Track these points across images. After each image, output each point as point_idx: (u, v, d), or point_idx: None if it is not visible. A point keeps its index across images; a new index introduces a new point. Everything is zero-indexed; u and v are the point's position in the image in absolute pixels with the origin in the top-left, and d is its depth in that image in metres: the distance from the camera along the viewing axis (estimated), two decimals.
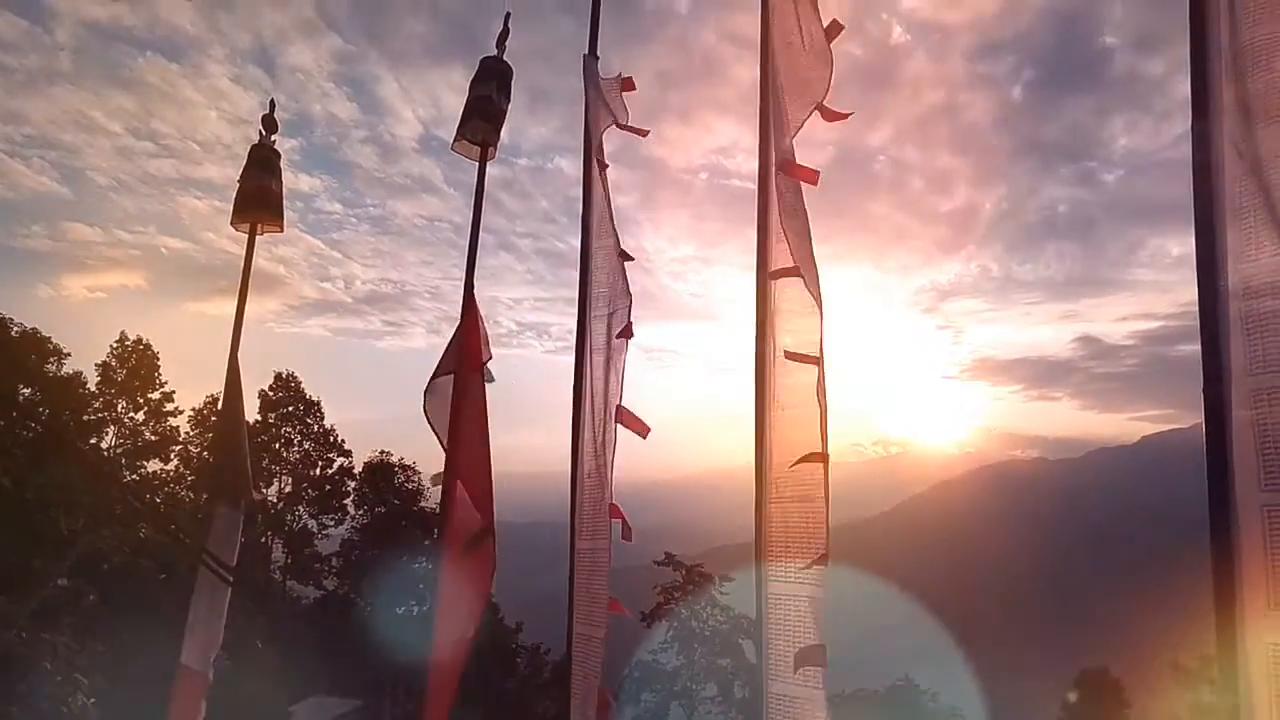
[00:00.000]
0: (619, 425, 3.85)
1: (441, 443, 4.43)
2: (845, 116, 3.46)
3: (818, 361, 3.13)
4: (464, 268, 4.70)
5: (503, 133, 4.89)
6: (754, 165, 3.68)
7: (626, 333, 3.86)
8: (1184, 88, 2.77)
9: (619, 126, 4.45)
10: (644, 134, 4.47)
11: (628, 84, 4.53)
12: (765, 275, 3.49)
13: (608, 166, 4.39)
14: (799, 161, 3.43)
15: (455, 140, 4.91)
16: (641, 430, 3.82)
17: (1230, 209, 2.59)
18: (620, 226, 4.17)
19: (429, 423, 4.45)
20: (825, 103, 3.41)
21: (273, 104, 5.58)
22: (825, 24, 3.45)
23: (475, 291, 4.64)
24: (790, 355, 3.20)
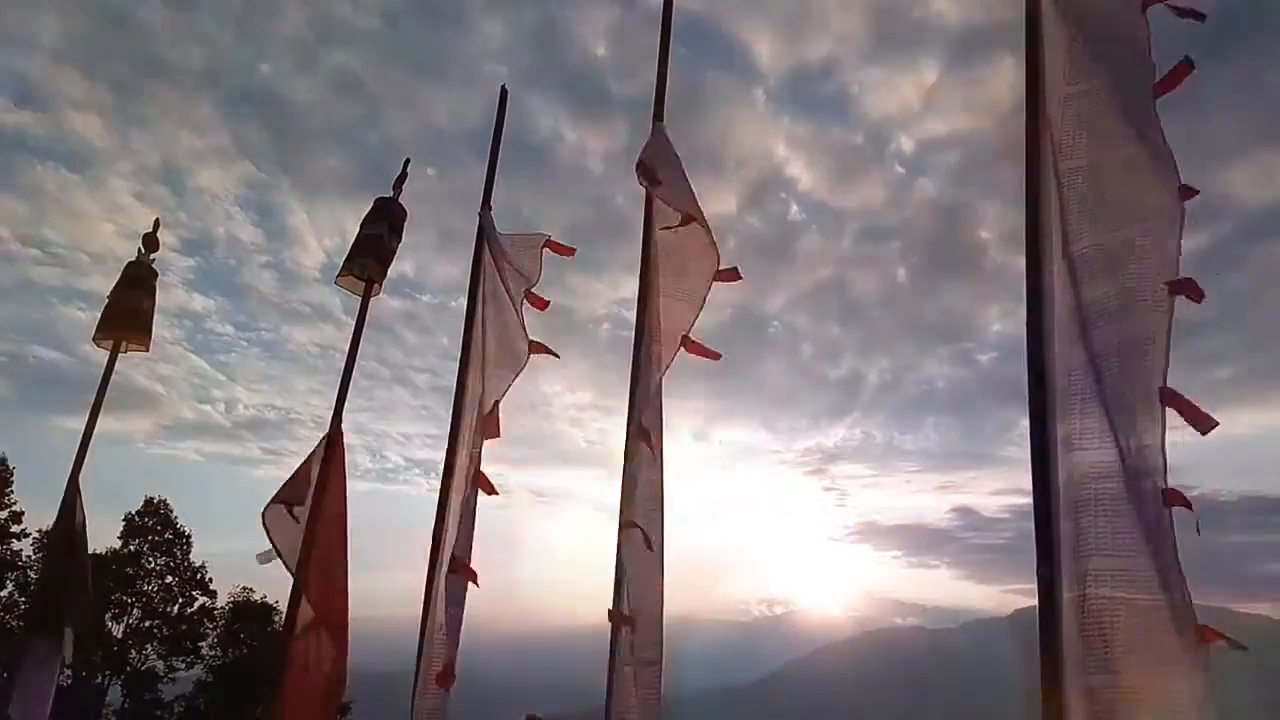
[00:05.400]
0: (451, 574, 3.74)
1: (288, 566, 4.24)
2: (736, 277, 3.65)
3: (633, 525, 3.24)
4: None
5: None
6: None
7: (479, 483, 3.79)
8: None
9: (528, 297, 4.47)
10: (543, 306, 4.50)
11: (539, 302, 4.50)
12: (634, 433, 3.55)
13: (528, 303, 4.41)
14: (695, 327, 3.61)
15: (340, 274, 4.92)
16: (471, 577, 3.72)
17: (1061, 399, 2.79)
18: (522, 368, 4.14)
19: (270, 540, 4.28)
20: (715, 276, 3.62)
21: (157, 223, 5.50)
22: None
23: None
24: (629, 524, 3.28)
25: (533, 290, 4.40)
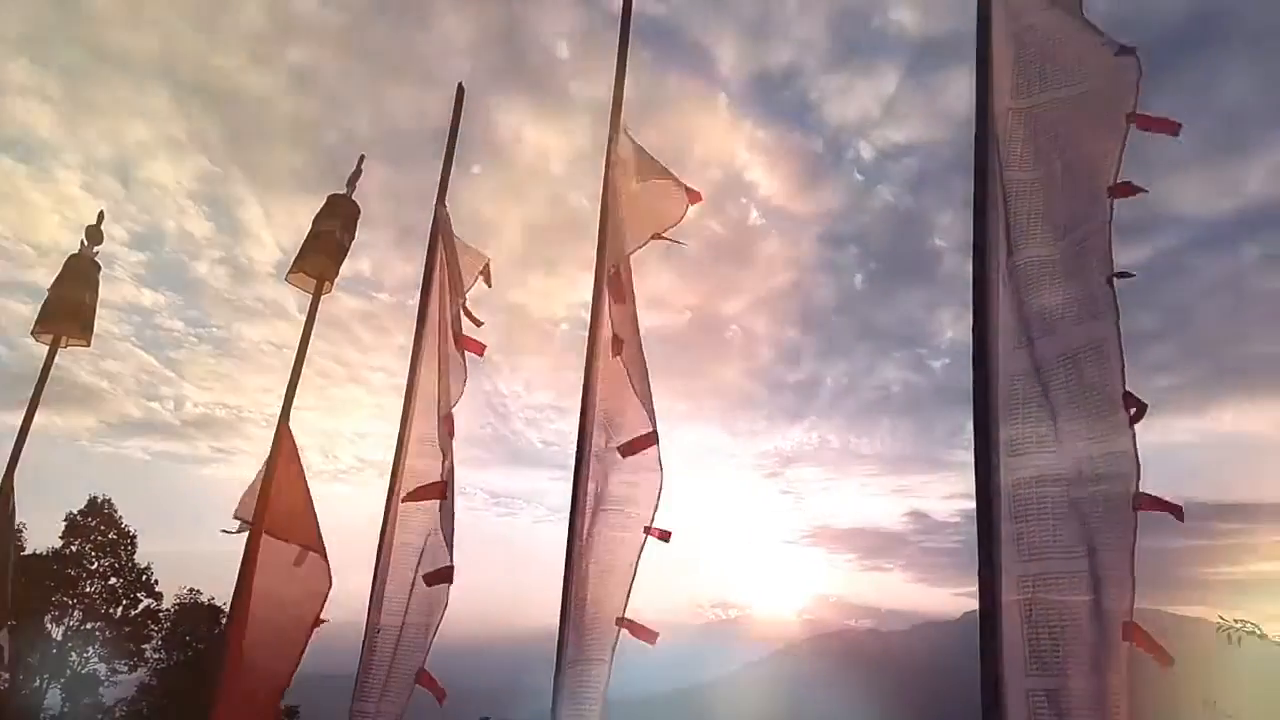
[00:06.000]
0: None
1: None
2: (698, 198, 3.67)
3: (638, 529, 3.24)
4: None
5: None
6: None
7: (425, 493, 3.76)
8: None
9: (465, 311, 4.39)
10: (480, 351, 4.38)
11: (475, 320, 4.42)
12: (585, 442, 3.54)
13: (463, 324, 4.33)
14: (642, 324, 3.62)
15: (291, 271, 4.86)
16: (447, 578, 3.69)
17: (1004, 406, 2.84)
18: (474, 366, 4.09)
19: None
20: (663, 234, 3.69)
21: (100, 215, 5.37)
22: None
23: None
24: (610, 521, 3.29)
25: (467, 306, 4.38)
